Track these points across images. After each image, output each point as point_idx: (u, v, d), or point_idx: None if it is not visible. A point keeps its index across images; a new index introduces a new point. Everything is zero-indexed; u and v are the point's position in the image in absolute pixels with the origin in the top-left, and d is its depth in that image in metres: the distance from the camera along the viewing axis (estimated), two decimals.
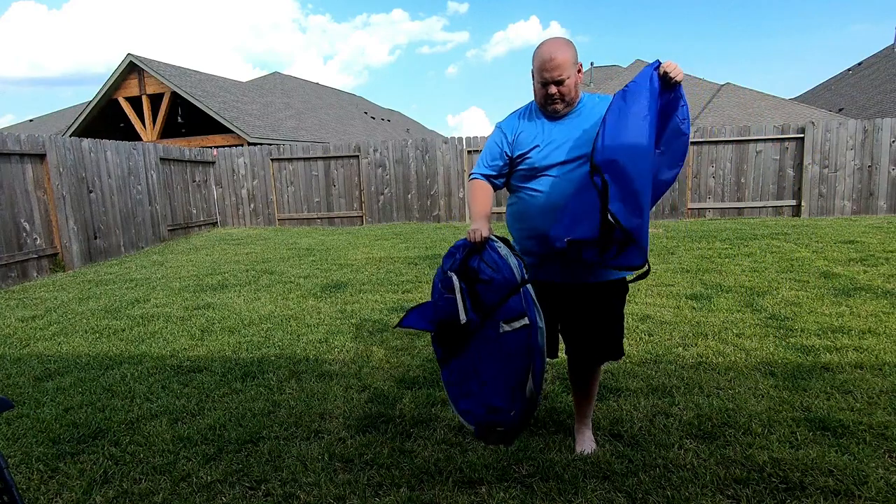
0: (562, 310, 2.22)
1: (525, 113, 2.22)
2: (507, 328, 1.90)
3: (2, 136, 6.64)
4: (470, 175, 2.31)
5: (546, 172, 2.10)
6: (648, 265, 1.94)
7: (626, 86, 1.92)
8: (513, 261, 1.95)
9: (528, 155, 2.13)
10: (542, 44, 2.07)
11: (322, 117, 23.06)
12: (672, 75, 1.91)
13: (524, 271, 1.96)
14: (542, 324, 1.94)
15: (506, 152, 2.18)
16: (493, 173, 2.23)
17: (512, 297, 1.89)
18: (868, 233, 7.83)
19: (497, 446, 2.04)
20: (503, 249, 1.98)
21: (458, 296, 1.92)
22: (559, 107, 2.09)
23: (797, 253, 6.49)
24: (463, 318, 1.90)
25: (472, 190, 2.27)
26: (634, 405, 2.71)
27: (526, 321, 1.89)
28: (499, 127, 2.24)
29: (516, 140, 2.17)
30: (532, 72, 2.12)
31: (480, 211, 2.17)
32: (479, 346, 1.99)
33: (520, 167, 2.16)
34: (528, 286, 1.95)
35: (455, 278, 1.95)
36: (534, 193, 2.14)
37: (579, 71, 2.08)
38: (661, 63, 1.93)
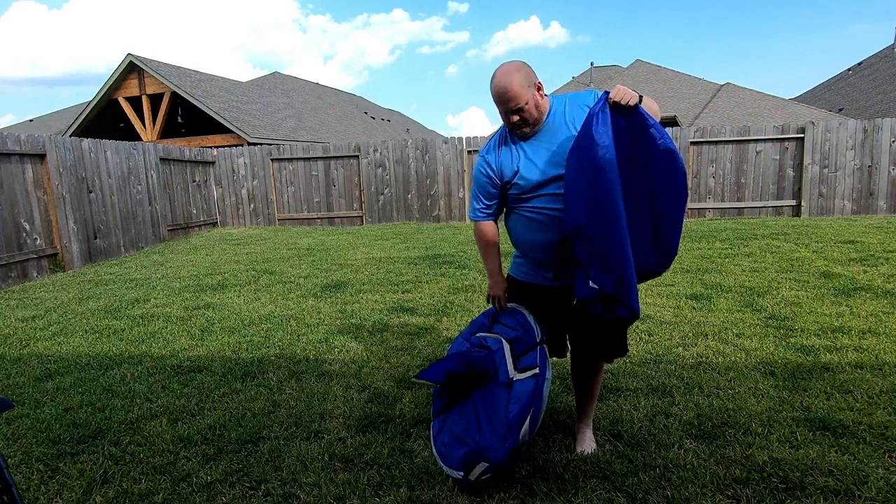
0: (570, 313, 2.22)
1: (501, 138, 2.20)
2: (520, 376, 2.09)
3: (2, 136, 6.64)
4: (471, 216, 2.32)
5: (536, 192, 2.10)
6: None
7: (576, 138, 1.91)
8: (535, 323, 2.19)
9: (513, 182, 2.13)
10: (494, 74, 2.05)
11: (322, 117, 23.06)
12: (624, 102, 1.89)
13: (543, 333, 2.18)
14: (549, 375, 2.13)
15: (496, 183, 2.18)
16: (493, 211, 2.27)
17: (530, 352, 2.12)
18: (868, 233, 7.83)
19: (479, 494, 2.05)
20: (529, 315, 2.22)
21: (508, 357, 2.15)
22: (526, 130, 2.09)
23: (797, 253, 6.49)
24: (511, 373, 2.10)
25: (480, 237, 2.31)
26: (634, 405, 2.71)
27: (537, 370, 2.08)
28: (482, 158, 2.22)
29: (500, 169, 2.16)
30: None
31: (494, 267, 2.32)
32: (487, 392, 2.14)
33: (510, 192, 2.17)
34: (545, 345, 2.17)
35: (504, 342, 2.19)
36: (531, 213, 2.15)
37: (539, 89, 2.05)
38: (608, 96, 1.91)
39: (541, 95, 2.06)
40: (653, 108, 2.04)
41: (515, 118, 2.04)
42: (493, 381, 2.13)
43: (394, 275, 6.10)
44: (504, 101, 2.01)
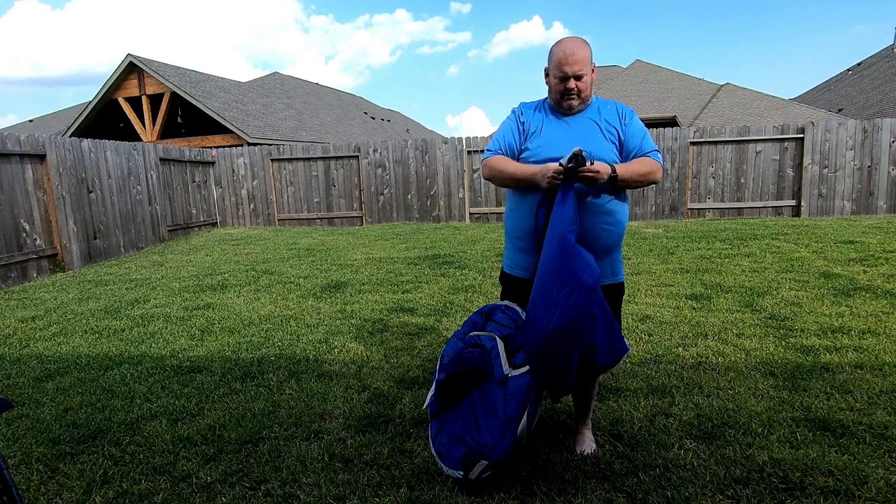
0: None
1: (536, 105, 2.27)
2: (514, 373, 2.09)
3: (2, 137, 6.63)
4: (483, 155, 2.28)
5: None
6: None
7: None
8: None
9: (527, 146, 2.18)
10: (560, 41, 2.12)
11: (322, 118, 23.06)
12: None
13: None
14: None
15: (518, 130, 2.22)
16: (507, 154, 2.25)
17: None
18: (868, 233, 7.83)
19: (480, 495, 2.05)
20: (522, 312, 2.22)
21: (503, 354, 2.14)
22: (575, 102, 2.13)
23: (797, 253, 6.49)
24: (506, 370, 2.09)
25: (496, 164, 2.20)
26: (634, 405, 2.71)
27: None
28: (512, 111, 2.30)
29: (529, 122, 2.21)
30: (547, 69, 2.17)
31: (523, 166, 2.14)
32: (483, 391, 2.14)
33: (521, 156, 2.20)
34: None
35: (498, 340, 2.18)
36: (524, 191, 2.16)
37: (593, 71, 2.14)
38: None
39: (593, 78, 2.15)
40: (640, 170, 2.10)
41: (573, 84, 2.08)
42: (488, 379, 2.13)
43: (394, 275, 6.10)
44: (570, 63, 2.06)
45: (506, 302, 2.33)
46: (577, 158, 1.91)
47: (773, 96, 20.04)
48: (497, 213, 11.35)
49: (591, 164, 1.94)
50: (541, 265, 1.99)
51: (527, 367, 2.08)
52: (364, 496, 2.08)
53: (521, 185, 2.15)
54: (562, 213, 1.95)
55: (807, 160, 10.24)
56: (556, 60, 2.09)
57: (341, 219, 11.99)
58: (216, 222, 12.10)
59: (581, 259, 1.88)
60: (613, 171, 2.00)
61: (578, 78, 2.07)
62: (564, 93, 2.11)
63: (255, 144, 14.65)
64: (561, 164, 1.95)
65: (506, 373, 2.09)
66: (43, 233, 7.22)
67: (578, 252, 1.89)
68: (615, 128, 2.16)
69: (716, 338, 3.64)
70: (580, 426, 2.39)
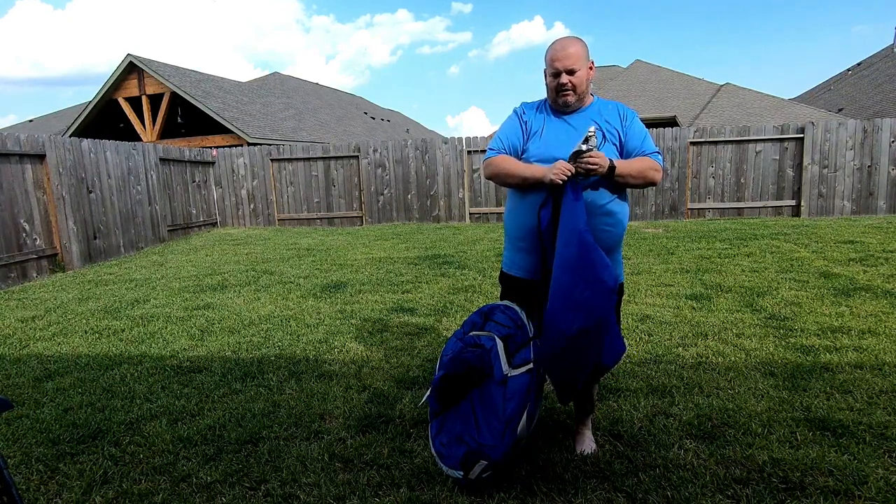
0: None
1: (537, 105, 2.28)
2: (514, 373, 2.09)
3: (2, 137, 6.63)
4: (486, 155, 2.29)
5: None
6: None
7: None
8: (528, 320, 2.21)
9: (528, 146, 2.19)
10: (555, 40, 2.16)
11: (322, 117, 23.06)
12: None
13: (536, 330, 2.18)
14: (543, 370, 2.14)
15: (521, 129, 2.23)
16: (510, 153, 2.25)
17: (524, 348, 2.13)
18: (868, 233, 7.83)
19: (480, 495, 2.05)
20: (521, 312, 2.24)
21: (502, 354, 2.14)
22: (570, 98, 2.13)
23: (797, 253, 6.49)
24: (506, 370, 2.09)
25: (500, 163, 2.20)
26: (634, 405, 2.71)
27: (531, 366, 2.09)
28: (514, 110, 2.31)
29: (530, 122, 2.23)
30: (544, 69, 2.19)
31: (532, 166, 2.13)
32: (483, 391, 2.14)
33: (521, 157, 2.21)
34: (538, 341, 2.17)
35: (498, 340, 2.18)
36: (525, 191, 2.16)
37: (591, 68, 2.15)
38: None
39: (591, 75, 2.16)
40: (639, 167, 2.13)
41: (566, 79, 2.09)
42: (488, 379, 2.13)
43: (394, 275, 6.10)
44: (561, 58, 2.09)
45: (505, 302, 2.33)
46: (590, 139, 1.95)
47: (773, 96, 20.03)
48: (497, 213, 11.35)
49: (599, 146, 1.99)
50: (558, 264, 1.96)
51: (526, 368, 2.08)
52: (364, 496, 2.08)
53: (526, 185, 2.14)
54: (575, 210, 1.94)
55: (807, 160, 10.24)
56: (549, 58, 2.13)
57: (341, 219, 11.99)
58: (216, 222, 12.10)
59: (601, 259, 1.88)
60: (612, 163, 2.01)
61: (571, 73, 2.08)
62: (559, 89, 2.12)
63: (254, 144, 14.64)
64: (582, 145, 1.97)
65: (505, 373, 2.09)
66: (43, 233, 7.22)
67: (598, 252, 1.89)
68: (616, 129, 2.16)
69: (716, 338, 3.64)
70: (580, 426, 2.40)
